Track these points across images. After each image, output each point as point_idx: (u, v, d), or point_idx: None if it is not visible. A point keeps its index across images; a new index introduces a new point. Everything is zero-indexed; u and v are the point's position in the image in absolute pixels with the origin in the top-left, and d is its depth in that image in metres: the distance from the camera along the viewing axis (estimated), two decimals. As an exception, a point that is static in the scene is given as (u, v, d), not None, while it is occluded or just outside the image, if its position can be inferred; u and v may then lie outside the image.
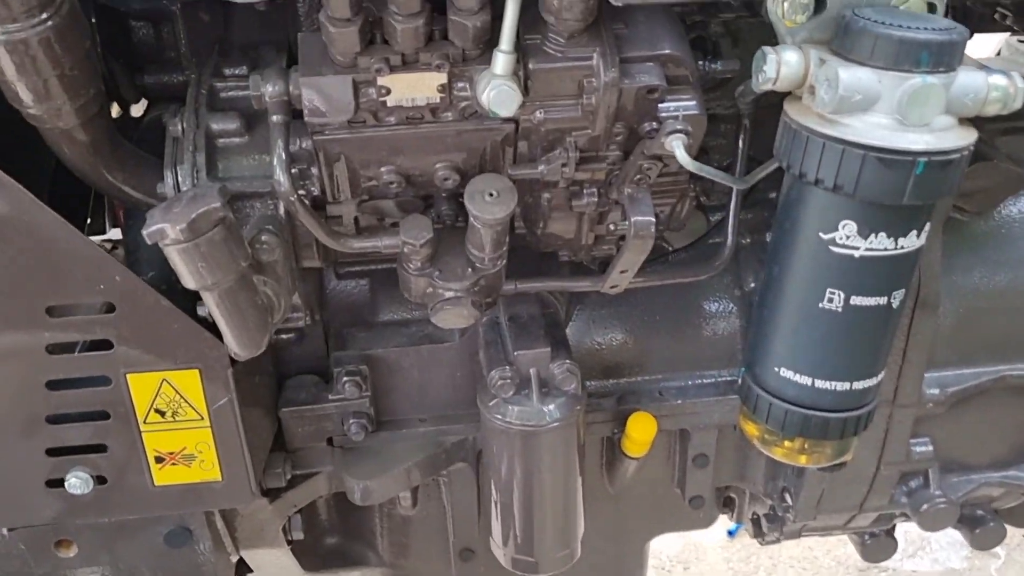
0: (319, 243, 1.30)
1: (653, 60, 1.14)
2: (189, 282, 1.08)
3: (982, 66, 1.07)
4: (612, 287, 1.36)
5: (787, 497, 1.66)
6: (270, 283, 1.21)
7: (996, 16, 1.66)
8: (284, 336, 1.53)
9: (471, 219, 1.19)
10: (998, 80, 1.04)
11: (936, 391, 1.51)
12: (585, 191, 1.28)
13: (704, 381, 1.63)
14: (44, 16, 1.01)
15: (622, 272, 1.32)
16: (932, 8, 1.12)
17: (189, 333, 1.25)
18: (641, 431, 1.54)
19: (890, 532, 1.86)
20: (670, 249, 1.54)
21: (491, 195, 1.17)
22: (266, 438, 1.47)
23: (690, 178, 1.33)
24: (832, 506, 1.63)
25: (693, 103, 1.17)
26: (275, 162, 1.13)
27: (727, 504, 1.95)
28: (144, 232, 1.05)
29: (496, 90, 1.07)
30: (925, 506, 1.61)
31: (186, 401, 1.31)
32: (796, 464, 1.45)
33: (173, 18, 1.39)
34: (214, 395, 1.30)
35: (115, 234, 1.65)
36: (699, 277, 1.44)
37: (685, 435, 1.67)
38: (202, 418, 1.32)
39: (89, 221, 1.63)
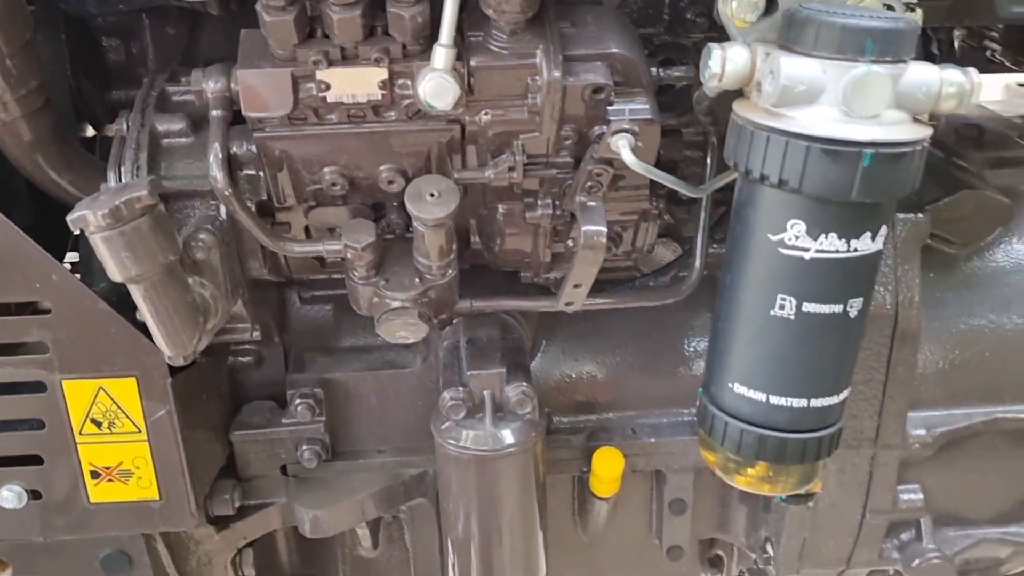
0: (266, 252, 1.27)
1: (600, 59, 1.11)
2: (114, 273, 1.06)
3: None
4: (568, 304, 1.31)
5: (768, 548, 1.55)
6: (208, 285, 1.18)
7: (988, 54, 1.63)
8: (242, 360, 1.50)
9: (414, 222, 1.15)
10: (953, 75, 1.00)
11: (923, 432, 1.41)
12: (539, 202, 1.24)
13: (680, 419, 1.55)
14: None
15: (576, 287, 1.26)
16: (890, 8, 1.09)
17: (127, 338, 1.21)
18: (607, 467, 1.46)
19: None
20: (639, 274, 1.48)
21: (432, 195, 1.13)
22: (213, 461, 1.41)
23: (651, 194, 1.29)
24: (817, 558, 1.52)
25: (644, 107, 1.14)
26: (211, 157, 1.11)
27: (715, 564, 1.84)
28: (68, 219, 1.03)
29: (432, 81, 1.04)
30: (917, 561, 1.49)
31: (123, 411, 1.26)
32: (762, 493, 1.36)
33: (142, 33, 1.40)
34: (152, 406, 1.26)
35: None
36: (665, 301, 1.38)
37: (661, 478, 1.59)
38: (139, 430, 1.28)
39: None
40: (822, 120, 0.97)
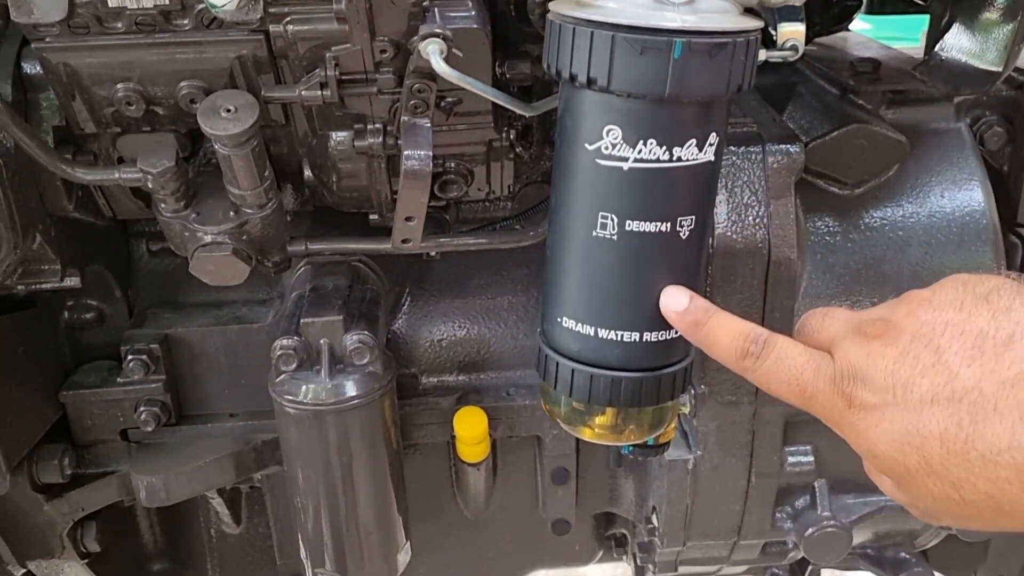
0: (71, 185, 1.16)
1: (409, -42, 1.00)
2: None
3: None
4: (404, 241, 1.19)
5: (654, 519, 1.43)
6: (-11, 216, 1.07)
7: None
8: (81, 316, 1.39)
9: (214, 144, 1.04)
10: (781, -41, 0.89)
11: (807, 386, 1.29)
12: (368, 128, 1.14)
13: (560, 380, 1.43)
14: None
15: (408, 220, 1.15)
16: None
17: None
18: (468, 428, 1.34)
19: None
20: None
21: (228, 111, 1.02)
22: (33, 422, 1.30)
23: (498, 123, 1.18)
24: (704, 529, 1.40)
25: (466, 14, 1.03)
26: (-21, 67, 1.00)
27: (620, 544, 1.73)
28: None
29: (209, -23, 0.93)
30: (811, 530, 1.38)
31: (-85, 362, 1.15)
32: (613, 444, 1.24)
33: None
34: (-54, 356, 1.15)
35: None
36: (521, 243, 1.27)
37: (541, 444, 1.47)
38: (-65, 383, 1.17)
39: None
40: (629, 7, 0.85)
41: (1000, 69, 1.16)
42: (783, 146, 1.23)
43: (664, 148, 0.89)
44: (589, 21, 0.86)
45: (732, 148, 1.23)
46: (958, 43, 1.25)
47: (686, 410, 1.33)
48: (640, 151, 0.89)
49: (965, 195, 1.35)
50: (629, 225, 0.92)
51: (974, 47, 1.22)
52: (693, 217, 0.94)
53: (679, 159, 0.90)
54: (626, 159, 0.90)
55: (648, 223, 0.92)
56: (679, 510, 1.38)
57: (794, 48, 1.09)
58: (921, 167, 1.37)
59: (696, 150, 0.91)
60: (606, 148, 0.90)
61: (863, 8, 1.67)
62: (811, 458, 1.36)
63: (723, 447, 1.33)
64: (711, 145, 0.92)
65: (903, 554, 1.59)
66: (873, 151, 1.31)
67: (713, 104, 0.90)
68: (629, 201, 0.92)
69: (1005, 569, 1.60)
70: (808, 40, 1.61)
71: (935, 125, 1.40)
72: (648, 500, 1.47)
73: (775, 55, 1.10)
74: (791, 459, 1.36)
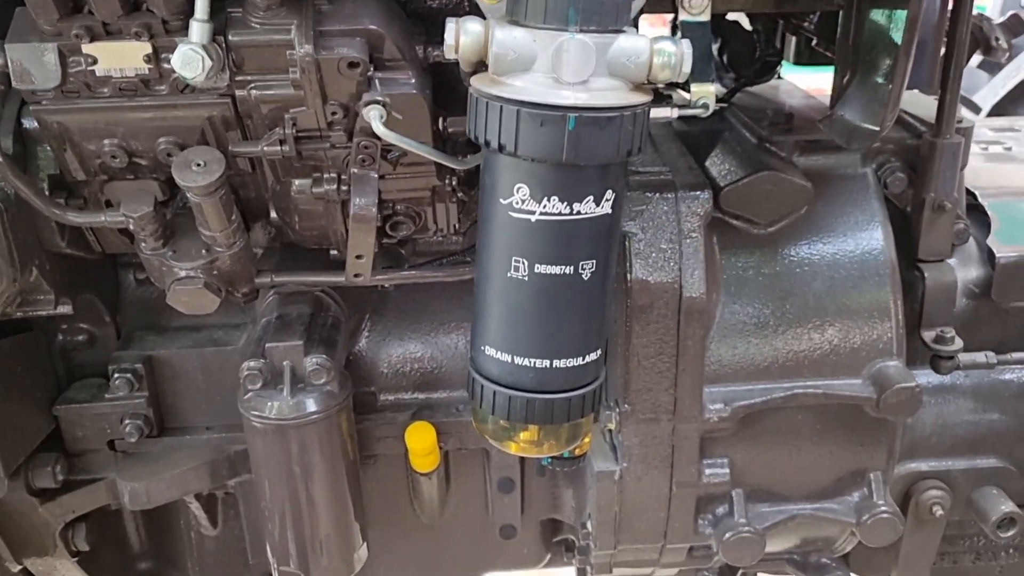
0: (64, 225, 1.32)
1: (356, 35, 1.16)
2: None
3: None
4: (356, 275, 1.35)
5: (588, 524, 1.58)
6: (-8, 255, 1.23)
7: (815, 45, 1.68)
8: (73, 339, 1.55)
9: (187, 193, 1.20)
10: (664, 45, 1.04)
11: (720, 405, 1.45)
12: (325, 176, 1.29)
13: (503, 398, 1.58)
14: None
15: (358, 258, 1.31)
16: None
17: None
18: (418, 441, 1.50)
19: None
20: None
21: (198, 165, 1.18)
22: (30, 433, 1.45)
23: (441, 172, 1.34)
24: (633, 534, 1.55)
25: (406, 82, 1.19)
26: (-17, 128, 1.17)
27: (569, 549, 1.87)
28: None
29: (180, 54, 1.09)
30: (728, 534, 1.52)
31: (-75, 379, 1.31)
32: (533, 457, 1.39)
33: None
34: (-47, 374, 1.31)
35: None
36: (463, 277, 1.43)
37: (488, 456, 1.62)
38: (-58, 398, 1.32)
39: None
40: (532, 86, 1.01)
41: (878, 128, 1.31)
42: (694, 193, 1.39)
43: (565, 203, 1.05)
44: (499, 97, 1.02)
45: (648, 194, 1.39)
46: (852, 102, 1.41)
47: (612, 426, 1.48)
48: (545, 206, 1.05)
49: (866, 235, 1.51)
50: (538, 268, 1.08)
51: (862, 107, 1.38)
52: (594, 261, 1.10)
53: (579, 212, 1.06)
54: (533, 212, 1.06)
55: (554, 266, 1.08)
56: (609, 516, 1.53)
57: (705, 106, 1.25)
58: (828, 209, 1.52)
59: (594, 205, 1.07)
60: (517, 203, 1.06)
61: (783, 63, 1.83)
62: (727, 470, 1.51)
63: (646, 460, 1.48)
64: (607, 200, 1.08)
65: (824, 559, 1.74)
66: (781, 196, 1.47)
67: (607, 166, 1.06)
68: (537, 248, 1.08)
69: (917, 571, 1.75)
70: (734, 92, 1.78)
71: (842, 171, 1.55)
72: (585, 507, 1.62)
73: (687, 112, 1.26)
74: (708, 471, 1.51)
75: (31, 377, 1.46)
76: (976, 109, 3.05)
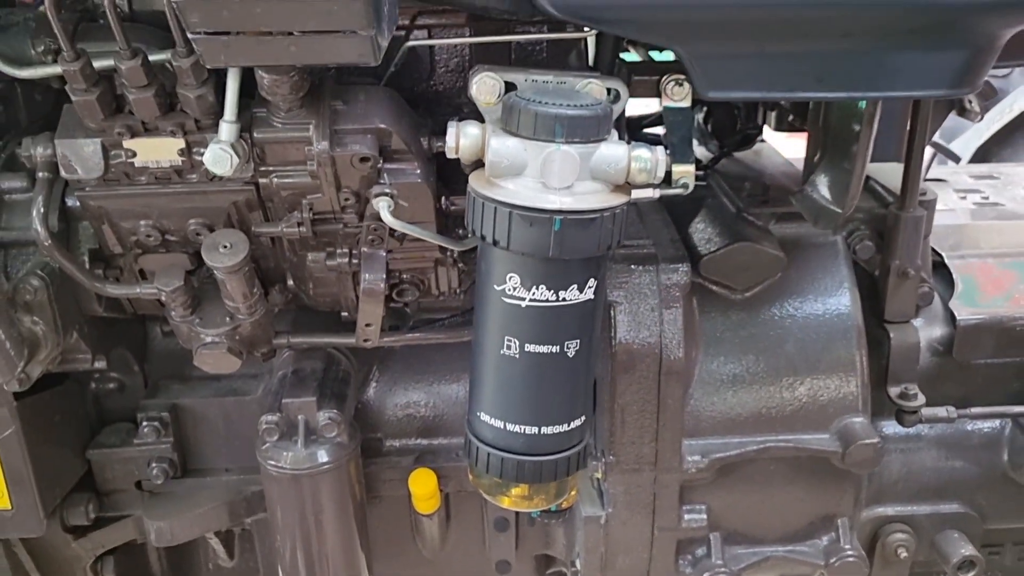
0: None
1: (367, 132, 1.29)
2: (-59, 313, 1.24)
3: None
4: (365, 340, 1.48)
5: (577, 562, 1.71)
6: (39, 322, 1.36)
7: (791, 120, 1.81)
8: (105, 387, 1.68)
9: (213, 270, 1.34)
10: (641, 152, 1.18)
11: (699, 457, 1.57)
12: (338, 251, 1.43)
13: (501, 445, 1.71)
14: None
15: (367, 326, 1.44)
16: (616, 94, 1.27)
17: (-27, 366, 1.39)
18: (420, 486, 1.63)
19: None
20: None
21: (225, 247, 1.31)
22: (66, 475, 1.59)
23: (440, 246, 1.47)
24: (617, 572, 1.68)
25: (410, 172, 1.32)
26: (34, 213, 1.30)
27: (562, 579, 2.00)
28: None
29: (211, 152, 1.23)
30: (706, 575, 1.65)
31: (-26, 431, 1.44)
32: (524, 510, 1.52)
33: (15, 99, 1.59)
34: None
35: None
36: (461, 339, 1.56)
37: (486, 499, 1.75)
38: (-11, 447, 1.46)
39: None
40: (523, 190, 1.15)
41: (841, 211, 1.44)
42: (674, 265, 1.52)
43: (552, 291, 1.18)
44: (494, 200, 1.15)
45: (632, 266, 1.52)
46: (819, 182, 1.54)
47: (599, 475, 1.61)
48: (534, 293, 1.18)
49: (835, 300, 1.64)
50: (528, 347, 1.21)
51: (829, 188, 1.51)
52: (578, 340, 1.23)
53: (564, 299, 1.19)
54: (523, 299, 1.19)
55: (542, 346, 1.21)
56: (596, 556, 1.65)
57: (684, 185, 1.37)
58: (800, 275, 1.65)
59: (578, 292, 1.20)
60: (509, 290, 1.19)
61: (766, 130, 1.96)
62: (704, 515, 1.64)
63: (629, 506, 1.61)
64: (590, 287, 1.21)
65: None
66: (757, 264, 1.60)
67: (590, 259, 1.19)
68: (527, 329, 1.21)
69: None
70: (717, 160, 1.91)
71: (814, 239, 1.68)
72: (575, 546, 1.75)
73: (668, 192, 1.39)
74: (687, 516, 1.63)
75: (68, 425, 1.59)
76: (956, 158, 3.17)
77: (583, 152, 1.14)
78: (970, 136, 3.19)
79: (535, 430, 1.26)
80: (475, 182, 1.20)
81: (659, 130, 1.91)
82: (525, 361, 1.22)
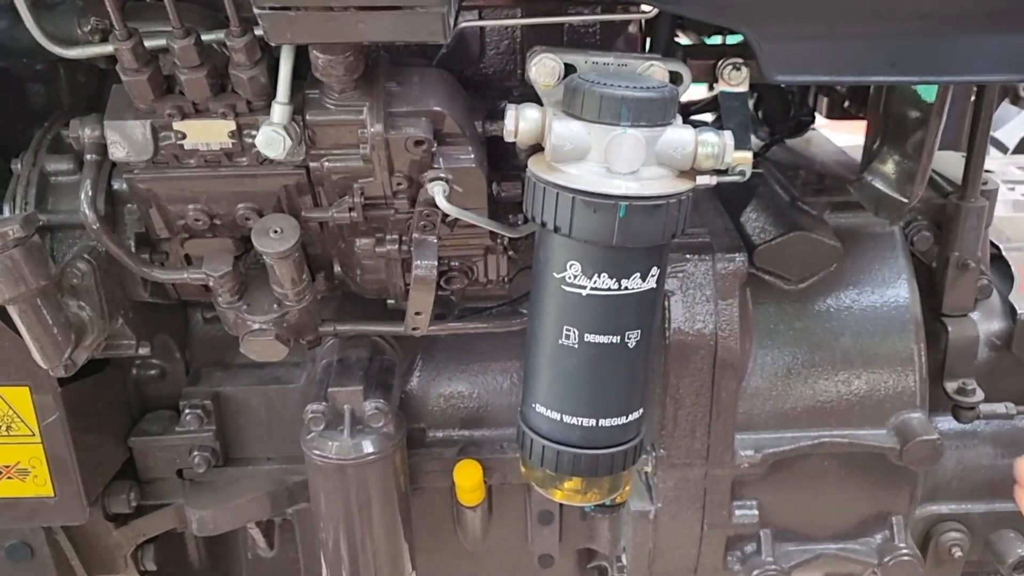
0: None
1: (422, 115, 1.26)
2: (-9, 296, 1.22)
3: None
4: (414, 329, 1.45)
5: (623, 557, 1.68)
6: (85, 307, 1.34)
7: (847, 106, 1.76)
8: (146, 373, 1.66)
9: (263, 256, 1.31)
10: (708, 136, 1.14)
11: (751, 452, 1.54)
12: (387, 238, 1.40)
13: (546, 436, 1.68)
14: None
15: (417, 314, 1.41)
16: (677, 78, 1.23)
17: (19, 351, 1.37)
18: (465, 478, 1.60)
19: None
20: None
21: (275, 232, 1.29)
22: (108, 463, 1.57)
23: (491, 233, 1.44)
24: (665, 568, 1.65)
25: (464, 156, 1.29)
26: (82, 196, 1.28)
27: (603, 574, 1.97)
28: (-50, 250, 1.19)
29: (263, 135, 1.20)
30: (756, 572, 1.61)
31: (18, 416, 1.42)
32: (575, 504, 1.49)
33: (58, 80, 1.57)
34: (44, 412, 1.42)
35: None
36: (511, 328, 1.53)
37: (529, 490, 1.72)
38: (33, 434, 1.44)
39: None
40: (586, 175, 1.11)
41: (907, 200, 1.40)
42: (730, 255, 1.48)
43: (614, 279, 1.15)
44: (556, 184, 1.12)
45: (687, 256, 1.48)
46: (881, 171, 1.49)
47: (648, 469, 1.58)
48: (595, 281, 1.15)
49: (893, 291, 1.59)
50: (587, 337, 1.18)
51: (891, 177, 1.46)
52: (639, 331, 1.19)
53: (626, 288, 1.16)
54: (584, 287, 1.15)
55: (602, 336, 1.18)
56: (643, 551, 1.62)
57: (742, 173, 1.33)
58: (857, 266, 1.61)
59: (640, 281, 1.16)
60: (569, 278, 1.16)
61: (818, 118, 1.91)
62: (755, 512, 1.60)
63: (679, 501, 1.57)
64: (652, 276, 1.17)
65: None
66: (812, 254, 1.56)
67: (653, 247, 1.15)
68: (587, 319, 1.17)
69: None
70: (769, 147, 1.87)
71: (871, 229, 1.64)
72: (620, 540, 1.72)
73: (726, 179, 1.34)
74: (738, 512, 1.60)
75: (110, 412, 1.57)
76: (1003, 148, 3.11)
77: (649, 136, 1.11)
78: (1015, 125, 3.12)
79: (593, 423, 1.23)
80: (535, 166, 1.16)
81: (705, 117, 1.88)
82: (584, 351, 1.19)
